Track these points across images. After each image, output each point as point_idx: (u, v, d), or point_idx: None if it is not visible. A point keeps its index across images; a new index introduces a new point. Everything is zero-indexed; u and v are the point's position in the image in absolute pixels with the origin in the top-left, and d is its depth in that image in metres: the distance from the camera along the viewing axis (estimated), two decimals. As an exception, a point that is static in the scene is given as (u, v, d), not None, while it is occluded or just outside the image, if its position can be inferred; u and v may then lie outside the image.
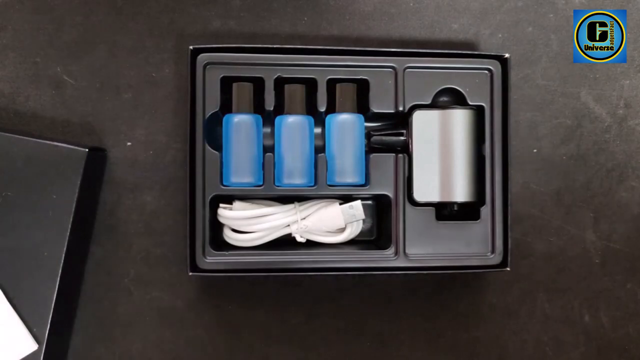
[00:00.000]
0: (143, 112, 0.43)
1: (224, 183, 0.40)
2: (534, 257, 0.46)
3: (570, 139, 0.46)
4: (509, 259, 0.42)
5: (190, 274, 0.40)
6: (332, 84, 0.42)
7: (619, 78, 0.47)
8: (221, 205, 0.41)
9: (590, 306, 0.46)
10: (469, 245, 0.42)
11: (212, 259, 0.40)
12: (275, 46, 0.41)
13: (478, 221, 0.42)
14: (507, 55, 0.42)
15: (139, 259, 0.43)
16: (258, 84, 0.41)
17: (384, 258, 0.42)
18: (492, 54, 0.43)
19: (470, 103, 0.42)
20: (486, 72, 0.43)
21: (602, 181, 0.47)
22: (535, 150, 0.46)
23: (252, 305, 0.44)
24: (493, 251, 0.42)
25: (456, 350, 0.45)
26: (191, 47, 0.40)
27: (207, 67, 0.40)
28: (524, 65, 0.46)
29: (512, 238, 0.45)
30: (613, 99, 0.47)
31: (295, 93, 0.41)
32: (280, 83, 0.41)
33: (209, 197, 0.40)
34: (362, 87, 0.42)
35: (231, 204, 0.41)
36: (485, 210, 0.42)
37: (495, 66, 0.42)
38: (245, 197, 0.41)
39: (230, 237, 0.41)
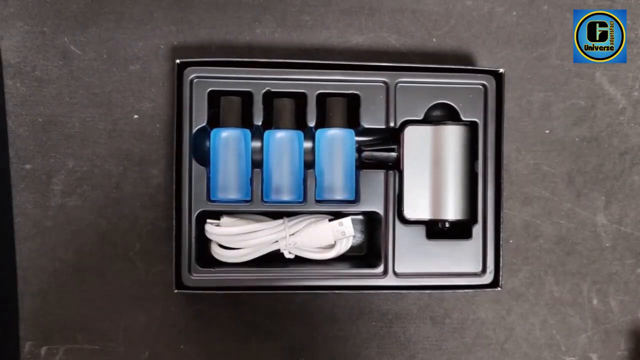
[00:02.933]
0: (150, 84, 0.43)
1: (212, 198, 0.40)
2: (543, 239, 0.45)
3: (584, 121, 0.46)
4: (500, 278, 0.41)
5: (176, 291, 0.39)
6: (322, 98, 0.41)
7: (635, 59, 0.46)
8: (208, 221, 0.40)
9: (599, 290, 0.46)
10: (460, 264, 0.42)
11: (198, 276, 0.40)
12: (264, 60, 0.40)
13: (469, 240, 0.42)
14: (501, 70, 0.41)
15: (144, 233, 0.43)
16: (247, 98, 0.40)
17: (373, 276, 0.41)
18: (487, 68, 0.42)
19: (464, 119, 0.41)
20: (480, 87, 0.42)
21: (614, 164, 0.46)
22: (547, 131, 0.45)
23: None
24: (484, 270, 0.42)
25: (462, 331, 0.45)
26: (178, 61, 0.39)
27: (195, 81, 0.40)
28: (538, 44, 0.45)
29: (521, 220, 0.45)
30: (628, 81, 0.46)
31: (284, 107, 0.41)
32: (269, 97, 0.41)
33: (196, 213, 0.40)
34: (353, 102, 0.41)
35: (219, 219, 0.41)
36: (477, 229, 0.42)
37: (489, 81, 0.41)
38: (233, 213, 0.41)
39: (217, 253, 0.41)
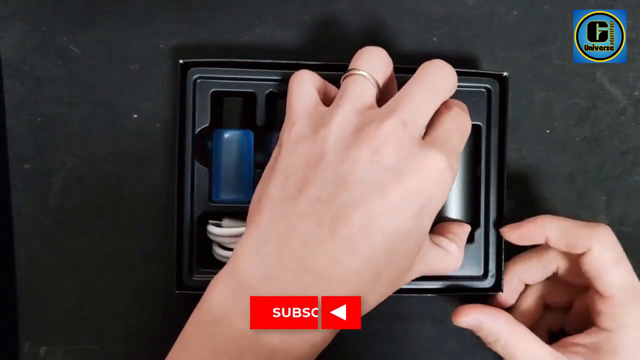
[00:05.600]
0: (150, 84, 0.43)
1: (214, 199, 0.40)
2: (544, 240, 0.45)
3: (585, 120, 0.46)
4: (502, 282, 0.41)
5: (177, 292, 0.39)
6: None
7: (636, 59, 0.46)
8: (210, 221, 0.40)
9: (600, 290, 0.46)
10: (462, 268, 0.41)
11: (199, 277, 0.40)
12: (268, 61, 0.40)
13: (471, 244, 0.41)
14: (505, 74, 0.41)
15: (144, 233, 0.43)
16: (250, 99, 0.40)
17: None
18: (491, 72, 0.41)
19: None
20: (484, 90, 0.41)
21: (615, 164, 0.46)
22: (548, 131, 0.45)
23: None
24: (486, 275, 0.42)
25: (463, 332, 0.45)
26: (181, 61, 0.39)
27: (198, 81, 0.40)
28: (539, 44, 0.45)
29: (522, 220, 0.45)
30: (629, 80, 0.46)
31: None
32: (272, 99, 0.40)
33: (198, 214, 0.40)
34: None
35: (221, 220, 0.40)
36: (479, 233, 0.41)
37: (493, 85, 0.41)
38: (234, 214, 0.41)
39: (219, 254, 0.41)
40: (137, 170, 0.43)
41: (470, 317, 0.39)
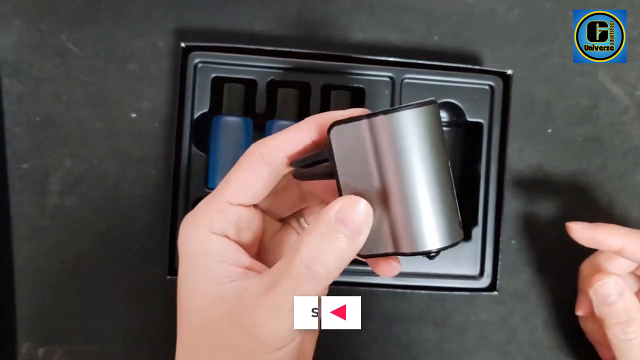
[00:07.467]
0: (148, 83, 0.43)
1: (209, 185, 0.40)
2: (546, 240, 0.45)
3: (587, 120, 0.45)
4: (497, 282, 0.41)
5: (168, 277, 0.39)
6: (326, 90, 0.40)
7: (638, 58, 0.45)
8: None
9: (602, 291, 0.45)
10: (458, 266, 0.41)
11: None
12: (269, 48, 0.40)
13: (469, 242, 0.41)
14: (510, 72, 0.41)
15: (143, 233, 0.42)
16: (250, 86, 0.40)
17: (368, 274, 0.41)
18: (494, 69, 0.41)
19: (469, 119, 0.41)
20: (487, 87, 0.41)
21: (617, 164, 0.46)
22: (550, 130, 0.45)
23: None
24: (482, 274, 0.41)
25: (464, 333, 0.45)
26: (183, 45, 0.39)
27: (199, 66, 0.39)
28: (540, 43, 0.45)
29: (524, 220, 0.45)
30: (631, 80, 0.45)
31: (288, 98, 0.40)
32: (273, 87, 0.40)
33: (193, 199, 0.39)
34: (358, 96, 0.41)
35: None
36: (476, 231, 0.41)
37: (496, 82, 0.41)
38: None
39: None
40: (136, 170, 0.42)
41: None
